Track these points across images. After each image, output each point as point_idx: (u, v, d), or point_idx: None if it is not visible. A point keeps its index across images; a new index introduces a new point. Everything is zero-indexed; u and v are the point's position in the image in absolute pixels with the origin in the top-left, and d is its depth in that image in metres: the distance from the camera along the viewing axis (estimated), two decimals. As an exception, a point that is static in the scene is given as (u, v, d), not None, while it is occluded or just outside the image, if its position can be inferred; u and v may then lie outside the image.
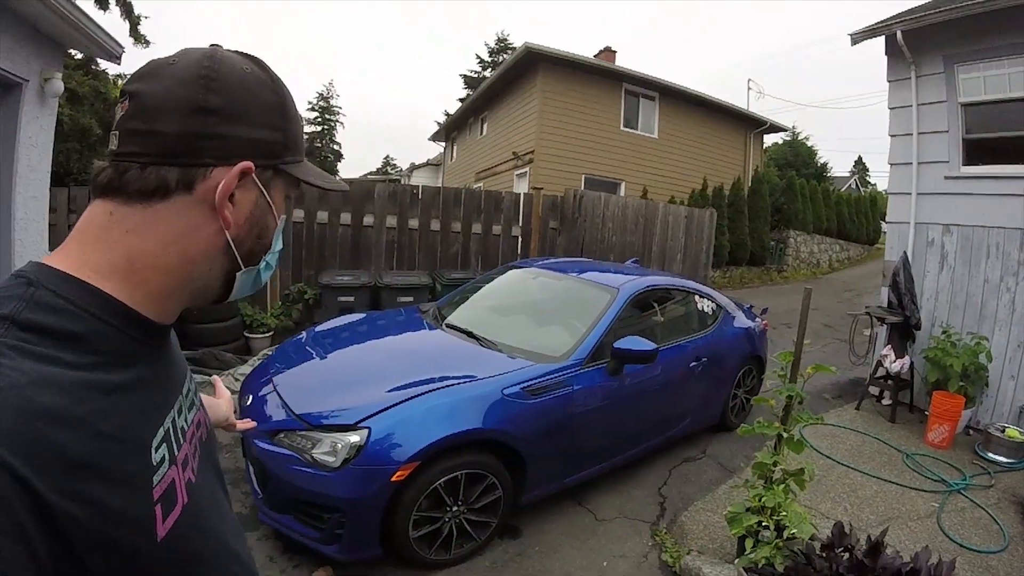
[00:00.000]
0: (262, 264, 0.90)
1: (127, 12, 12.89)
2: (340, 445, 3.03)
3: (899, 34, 6.76)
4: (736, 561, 2.97)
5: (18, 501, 0.53)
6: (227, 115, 0.76)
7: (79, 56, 11.16)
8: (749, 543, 2.88)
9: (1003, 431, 5.54)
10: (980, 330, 6.21)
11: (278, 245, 0.92)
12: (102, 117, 11.82)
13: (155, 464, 0.70)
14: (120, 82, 15.30)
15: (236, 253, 0.83)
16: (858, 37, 7.40)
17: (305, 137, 0.95)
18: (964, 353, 5.87)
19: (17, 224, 4.75)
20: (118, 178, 0.74)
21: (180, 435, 0.80)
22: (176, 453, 0.76)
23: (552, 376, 3.71)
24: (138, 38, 12.96)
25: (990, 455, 5.47)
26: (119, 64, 6.05)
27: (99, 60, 12.93)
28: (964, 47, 6.49)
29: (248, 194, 0.82)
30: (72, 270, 0.72)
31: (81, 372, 0.64)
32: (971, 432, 6.14)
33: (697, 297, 5.53)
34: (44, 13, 4.48)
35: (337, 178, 1.25)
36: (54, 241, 5.59)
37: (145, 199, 0.74)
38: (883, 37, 7.20)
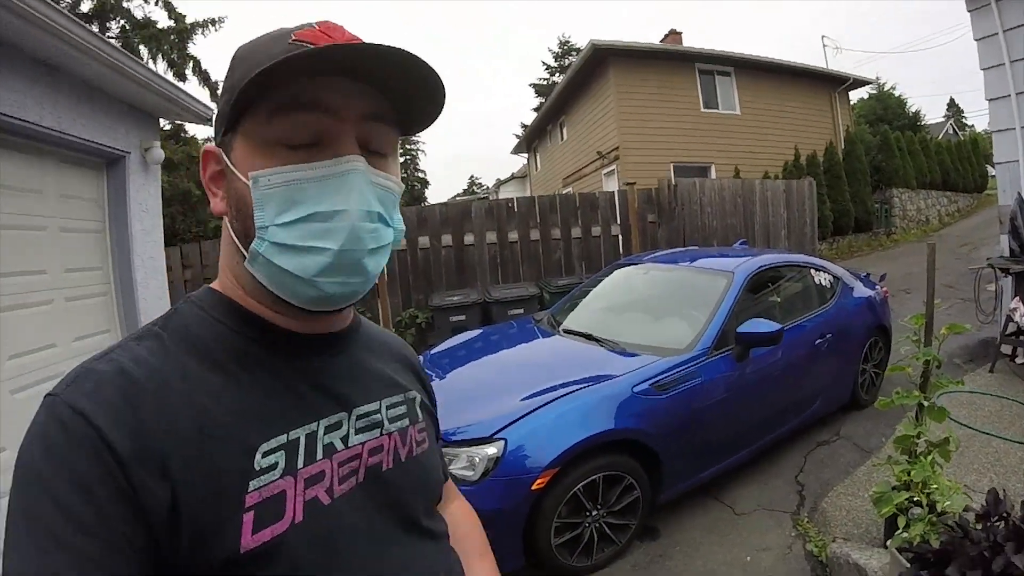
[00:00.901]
0: (257, 245, 0.71)
1: (204, 79, 14.07)
2: (478, 458, 3.07)
3: None
4: (888, 543, 2.91)
5: (98, 442, 0.60)
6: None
7: (167, 127, 12.05)
8: (902, 521, 2.84)
9: None
10: (1116, 265, 5.76)
11: (266, 214, 0.70)
12: (198, 179, 12.75)
13: (257, 469, 0.68)
14: (208, 145, 16.53)
15: (237, 241, 0.76)
16: None
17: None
18: (1103, 292, 5.51)
19: (138, 284, 5.19)
20: None
21: (320, 451, 0.76)
22: (300, 466, 0.72)
23: (679, 369, 3.71)
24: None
25: None
26: (210, 125, 6.50)
27: (186, 128, 13.93)
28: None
29: (224, 174, 0.78)
30: (215, 283, 0.84)
31: (188, 365, 0.71)
32: (1121, 383, 5.69)
33: (813, 271, 5.41)
34: (134, 89, 4.88)
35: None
36: (173, 296, 6.04)
37: None
38: None
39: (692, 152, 17.66)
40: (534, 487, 3.04)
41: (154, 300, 5.40)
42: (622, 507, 3.43)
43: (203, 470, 0.65)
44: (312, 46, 0.68)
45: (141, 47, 12.79)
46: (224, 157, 0.76)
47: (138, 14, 13.28)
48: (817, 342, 4.79)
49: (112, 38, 12.31)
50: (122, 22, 13.13)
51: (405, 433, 0.91)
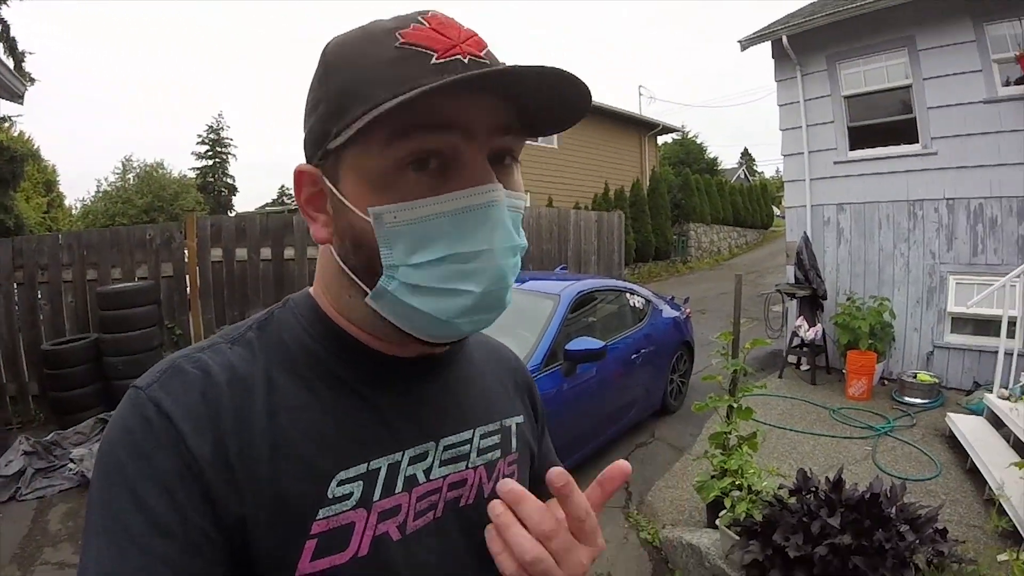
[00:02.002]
0: (387, 283, 0.64)
1: (11, 49, 12.43)
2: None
3: (784, 39, 7.50)
4: (717, 522, 3.26)
5: (181, 444, 0.59)
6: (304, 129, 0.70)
7: None
8: (728, 502, 3.18)
9: (915, 376, 6.27)
10: (881, 293, 6.93)
11: (395, 252, 0.63)
12: None
13: (330, 497, 0.64)
14: (4, 124, 14.54)
15: (351, 274, 0.68)
16: (746, 43, 8.15)
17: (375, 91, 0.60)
18: (870, 315, 6.56)
19: None
20: None
21: (401, 483, 0.70)
22: (376, 498, 0.67)
23: None
24: (24, 76, 12.40)
25: (907, 399, 6.17)
26: (22, 103, 5.79)
27: None
28: (844, 46, 7.27)
29: (330, 199, 0.68)
30: (314, 287, 0.77)
31: (275, 380, 0.67)
32: (886, 382, 6.87)
33: (628, 295, 5.93)
34: None
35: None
36: None
37: None
38: (770, 42, 7.91)
39: (510, 180, 18.13)
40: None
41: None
42: None
43: (273, 491, 0.61)
44: (425, 50, 0.61)
45: None
46: (326, 183, 0.66)
47: None
48: (633, 357, 5.27)
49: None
50: None
51: (493, 467, 0.82)
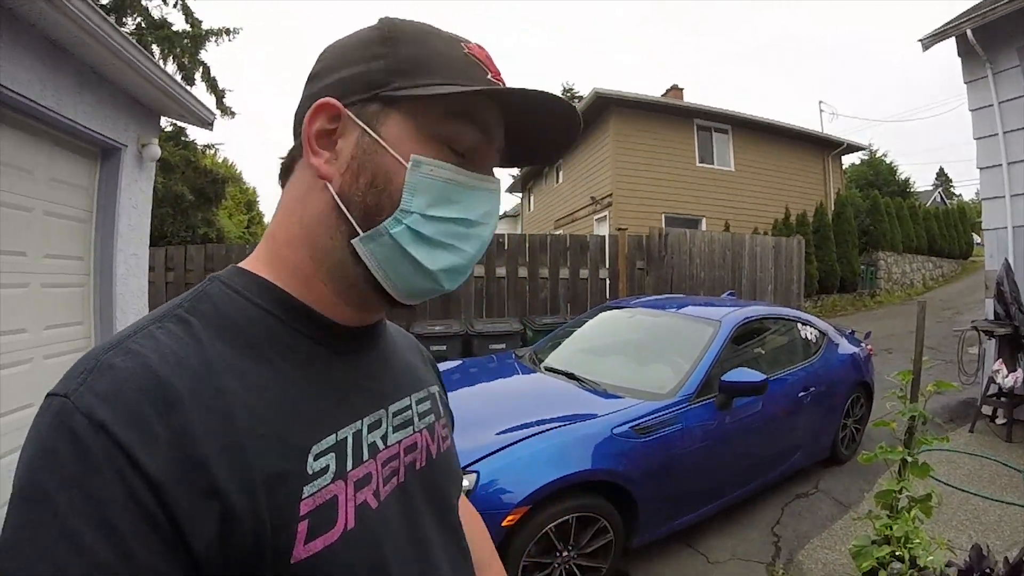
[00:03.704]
0: (391, 225, 0.68)
1: (212, 87, 13.96)
2: (447, 490, 3.02)
3: (969, 32, 6.70)
4: None
5: (123, 461, 0.51)
6: (320, 72, 0.74)
7: (169, 128, 11.97)
8: (883, 575, 2.81)
9: None
10: (1094, 332, 5.86)
11: (416, 200, 0.68)
12: (193, 184, 12.85)
13: (310, 473, 0.62)
14: (208, 151, 16.42)
15: (347, 212, 0.69)
16: (928, 42, 7.36)
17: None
18: (1081, 359, 5.60)
19: (118, 279, 5.06)
20: (282, 172, 0.79)
21: (366, 451, 0.71)
22: (349, 468, 0.67)
23: (661, 413, 3.64)
24: (224, 110, 14.02)
25: (1117, 464, 5.13)
26: (211, 130, 6.44)
27: (188, 132, 13.97)
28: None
29: (349, 138, 0.70)
30: (247, 264, 0.75)
31: (225, 357, 0.62)
32: (1096, 442, 5.76)
33: (799, 325, 5.43)
34: (140, 84, 4.83)
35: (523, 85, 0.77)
36: (153, 297, 5.96)
37: (284, 178, 0.77)
38: (953, 38, 7.12)
39: (684, 204, 17.88)
40: (504, 523, 2.94)
41: (132, 298, 5.28)
42: (593, 549, 3.32)
43: (254, 477, 0.57)
44: (484, 66, 0.74)
45: (154, 46, 12.75)
46: (356, 121, 0.70)
47: (155, 14, 13.28)
48: (800, 395, 4.76)
49: (128, 34, 12.44)
50: (139, 19, 13.10)
51: (433, 429, 0.88)
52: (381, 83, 0.69)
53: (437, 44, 0.72)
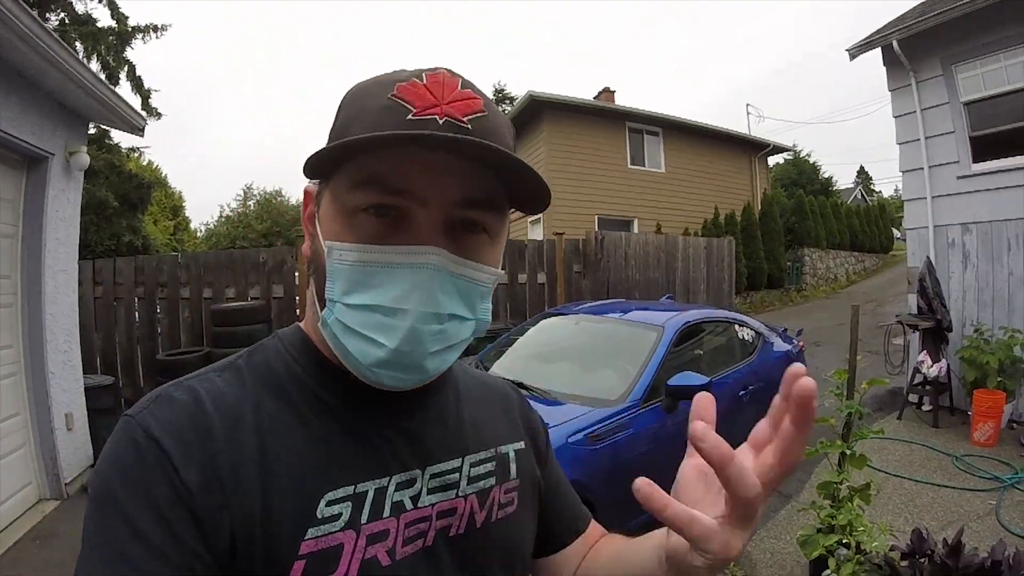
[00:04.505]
0: (327, 315, 0.67)
1: (138, 87, 13.40)
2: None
3: (895, 43, 7.02)
4: None
5: (170, 468, 0.60)
6: None
7: (93, 131, 11.49)
8: (832, 564, 2.93)
9: (1047, 420, 5.57)
10: (1011, 323, 6.26)
11: (335, 287, 0.66)
12: (117, 189, 12.35)
13: (319, 517, 0.64)
14: (133, 155, 15.77)
15: (315, 296, 0.71)
16: (855, 51, 7.68)
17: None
18: (999, 348, 5.95)
19: (47, 298, 4.78)
20: None
21: (388, 508, 0.70)
22: (364, 520, 0.67)
23: (612, 419, 3.70)
24: (150, 111, 13.46)
25: (1038, 446, 5.49)
26: (142, 136, 6.15)
27: (112, 135, 13.30)
28: (959, 47, 6.72)
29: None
30: (305, 320, 0.80)
31: (262, 404, 0.69)
32: (1015, 426, 6.17)
33: (736, 326, 5.60)
34: (71, 88, 4.58)
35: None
36: (83, 314, 5.66)
37: None
38: (879, 48, 7.44)
39: (617, 205, 18.13)
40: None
41: (63, 317, 5.03)
42: None
43: (262, 510, 0.62)
44: (406, 105, 0.64)
45: (78, 44, 12.15)
46: (316, 205, 0.72)
47: (79, 8, 12.67)
48: (740, 393, 4.93)
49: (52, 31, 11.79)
50: (62, 15, 12.48)
51: (486, 495, 0.82)
52: (324, 158, 0.66)
53: (366, 99, 0.67)
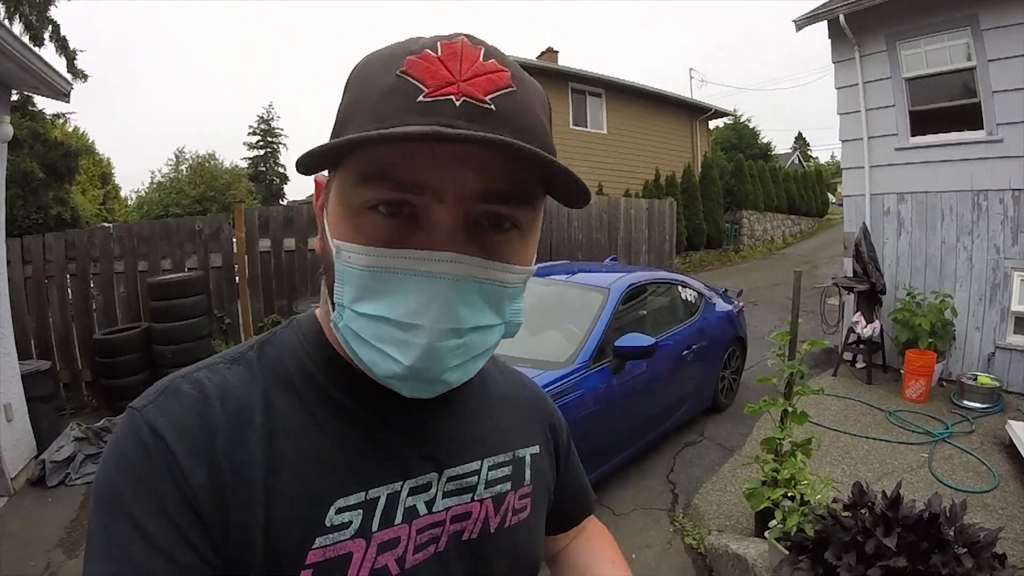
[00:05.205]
0: (337, 318, 0.61)
1: (63, 48, 12.52)
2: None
3: (842, 17, 7.11)
4: (767, 534, 3.12)
5: (176, 467, 0.57)
6: None
7: (15, 97, 10.84)
8: (779, 514, 3.04)
9: (975, 379, 5.91)
10: (942, 288, 6.56)
11: (345, 292, 0.59)
12: (43, 159, 11.61)
13: (328, 525, 0.61)
14: (58, 121, 14.97)
15: (328, 294, 0.64)
16: (802, 22, 7.77)
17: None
18: (930, 311, 6.23)
19: None
20: None
21: (400, 514, 0.67)
22: (375, 528, 0.64)
23: (562, 381, 3.75)
24: (76, 73, 12.68)
25: (966, 403, 5.84)
26: (68, 102, 5.80)
27: (35, 101, 12.40)
28: (904, 25, 6.87)
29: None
30: (320, 308, 0.74)
31: (272, 401, 0.65)
32: (945, 384, 6.51)
33: (680, 287, 5.75)
34: None
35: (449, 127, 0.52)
36: (13, 297, 5.39)
37: None
38: (826, 21, 7.55)
39: (559, 166, 18.04)
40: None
41: (-11, 301, 4.69)
42: None
43: (269, 517, 0.59)
44: (417, 84, 0.55)
45: None
46: (325, 196, 0.65)
47: None
48: (684, 353, 5.08)
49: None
50: None
51: (502, 500, 0.78)
52: (328, 150, 0.57)
53: (373, 76, 0.59)
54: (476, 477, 0.76)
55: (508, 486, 0.80)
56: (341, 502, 0.63)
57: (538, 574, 0.87)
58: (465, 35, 0.59)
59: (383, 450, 0.68)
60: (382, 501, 0.66)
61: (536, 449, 0.88)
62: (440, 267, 0.56)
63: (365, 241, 0.57)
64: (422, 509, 0.69)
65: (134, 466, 0.58)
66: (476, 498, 0.75)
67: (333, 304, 0.61)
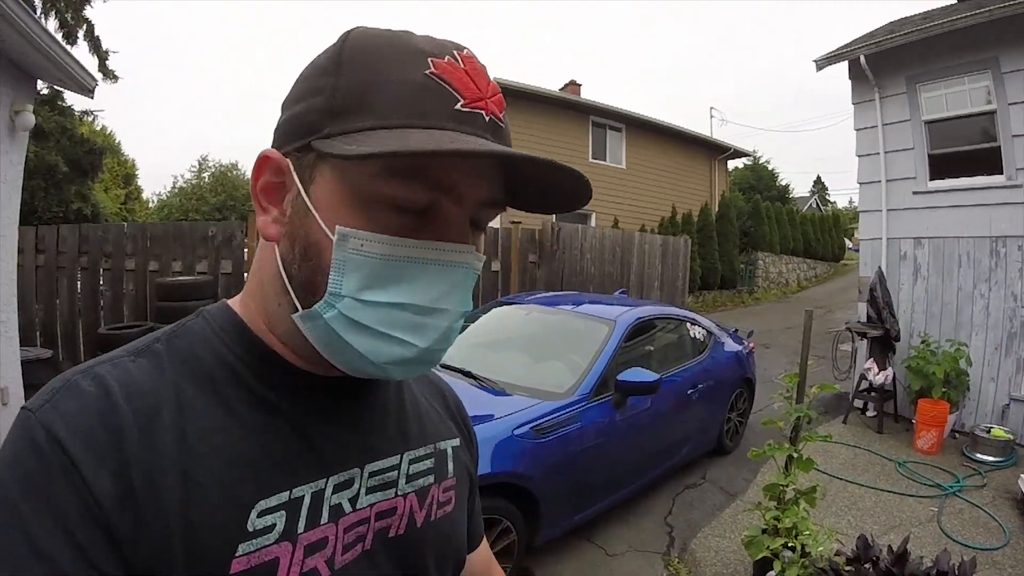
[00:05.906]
0: (324, 309, 0.58)
1: (95, 47, 12.75)
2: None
3: (862, 58, 7.12)
4: None
5: (77, 477, 0.51)
6: (284, 104, 0.65)
7: (45, 91, 10.92)
8: (778, 565, 2.93)
9: (988, 431, 5.77)
10: (958, 336, 6.44)
11: (346, 281, 0.57)
12: (68, 154, 11.74)
13: (250, 530, 0.58)
14: (86, 118, 15.20)
15: (288, 284, 0.61)
16: (823, 63, 7.77)
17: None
18: (945, 360, 6.08)
19: None
20: None
21: (326, 513, 0.65)
22: (300, 530, 0.62)
23: (560, 413, 3.65)
24: (107, 73, 12.87)
25: (978, 456, 5.68)
26: (92, 98, 5.81)
27: (65, 97, 12.60)
28: (924, 67, 6.86)
29: (291, 195, 0.62)
30: (235, 299, 0.71)
31: (185, 396, 0.60)
32: (957, 436, 6.35)
33: (688, 324, 5.63)
34: (19, 44, 4.27)
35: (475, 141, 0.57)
36: (22, 285, 5.40)
37: None
38: (846, 62, 7.55)
39: (576, 199, 18.07)
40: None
41: (0, 285, 4.73)
42: (497, 551, 3.23)
43: (186, 525, 0.54)
44: (453, 91, 0.58)
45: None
46: (295, 178, 0.61)
47: None
48: (689, 392, 4.96)
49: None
50: None
51: (425, 493, 0.78)
52: (315, 127, 0.58)
53: (392, 64, 0.58)
54: (396, 472, 0.75)
55: (431, 479, 0.79)
56: (263, 504, 0.59)
57: (462, 567, 0.87)
58: (467, 48, 0.63)
59: (306, 446, 0.65)
60: (307, 500, 0.63)
61: (457, 442, 0.88)
62: (462, 257, 0.61)
63: (381, 230, 0.57)
64: (347, 507, 0.67)
65: (30, 476, 0.52)
66: (399, 493, 0.74)
67: (309, 295, 0.60)
